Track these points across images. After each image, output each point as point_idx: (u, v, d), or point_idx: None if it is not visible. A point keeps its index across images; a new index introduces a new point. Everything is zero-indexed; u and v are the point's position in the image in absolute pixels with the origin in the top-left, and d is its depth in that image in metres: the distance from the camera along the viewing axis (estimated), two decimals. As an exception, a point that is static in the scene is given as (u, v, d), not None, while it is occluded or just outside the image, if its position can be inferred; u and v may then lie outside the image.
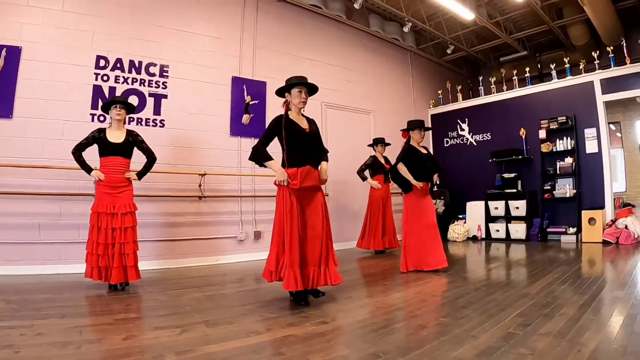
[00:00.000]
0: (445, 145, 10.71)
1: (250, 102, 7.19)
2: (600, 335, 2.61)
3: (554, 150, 8.64)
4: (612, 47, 8.24)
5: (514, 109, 9.46)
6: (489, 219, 9.19)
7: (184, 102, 6.54)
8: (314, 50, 8.37)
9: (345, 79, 8.88)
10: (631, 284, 4.15)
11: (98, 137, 4.45)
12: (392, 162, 7.11)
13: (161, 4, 6.50)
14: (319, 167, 3.97)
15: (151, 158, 4.80)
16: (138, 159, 4.76)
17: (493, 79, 10.19)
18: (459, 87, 10.72)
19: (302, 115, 4.00)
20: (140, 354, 2.53)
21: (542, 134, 8.76)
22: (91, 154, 4.50)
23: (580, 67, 8.60)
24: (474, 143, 10.18)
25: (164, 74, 6.41)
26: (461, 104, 10.56)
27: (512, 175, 9.07)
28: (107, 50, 5.95)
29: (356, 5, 8.15)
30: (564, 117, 8.45)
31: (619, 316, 3.05)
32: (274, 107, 7.11)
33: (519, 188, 8.99)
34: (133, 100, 5.92)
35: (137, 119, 6.09)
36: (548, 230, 8.50)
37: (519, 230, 8.65)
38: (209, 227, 6.57)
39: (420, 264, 5.35)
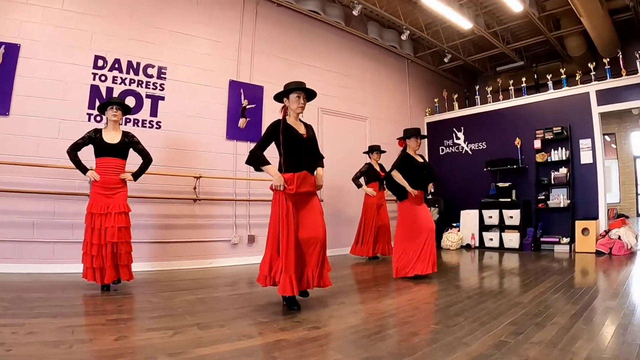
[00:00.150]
0: (441, 153, 10.75)
1: (247, 106, 7.20)
2: (591, 345, 2.62)
3: (549, 160, 8.68)
4: (608, 59, 8.32)
5: (510, 118, 9.51)
6: (483, 227, 9.21)
7: (181, 105, 6.54)
8: (311, 56, 8.40)
9: (342, 85, 8.91)
10: (623, 294, 4.17)
11: (94, 138, 4.44)
12: (387, 169, 7.16)
13: (161, 5, 6.51)
14: (315, 173, 3.97)
15: (147, 159, 4.80)
16: (133, 160, 4.75)
17: (489, 89, 10.24)
18: (456, 96, 10.77)
19: (300, 120, 4.01)
20: (132, 355, 2.52)
21: (537, 144, 8.80)
22: (87, 154, 4.49)
23: (577, 78, 8.66)
24: (469, 152, 10.22)
25: (162, 75, 6.41)
26: (457, 112, 10.61)
27: (507, 184, 9.10)
28: (105, 51, 5.95)
29: (355, 12, 8.19)
30: (559, 128, 8.50)
31: (610, 326, 3.06)
32: (270, 112, 7.13)
33: (514, 197, 9.02)
34: (130, 101, 5.91)
35: (134, 120, 6.08)
36: (541, 239, 8.52)
37: (512, 239, 8.66)
38: (203, 230, 6.56)
39: (411, 270, 5.34)
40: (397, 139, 5.82)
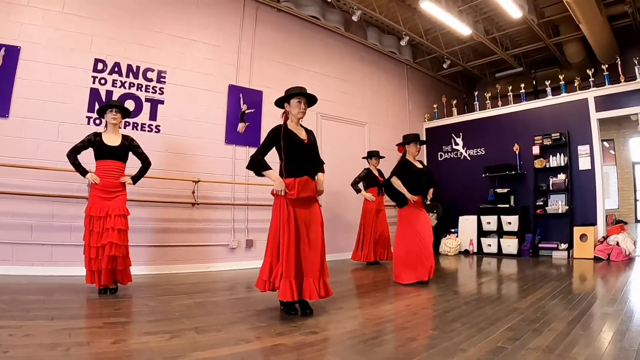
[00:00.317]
0: (440, 159, 10.77)
1: (247, 111, 7.21)
2: (589, 351, 2.62)
3: (547, 166, 8.69)
4: (607, 65, 8.35)
5: (509, 124, 9.53)
6: (481, 233, 9.21)
7: (180, 109, 6.55)
8: (311, 61, 8.42)
9: (341, 90, 8.93)
10: (621, 300, 4.17)
11: (94, 141, 4.45)
12: (386, 175, 7.16)
13: (161, 9, 6.53)
14: (316, 178, 3.98)
15: (146, 163, 4.81)
16: (131, 164, 4.76)
17: (488, 95, 10.26)
18: (454, 102, 10.78)
19: (301, 125, 4.02)
20: (129, 358, 2.51)
21: (536, 150, 8.82)
22: (87, 157, 4.50)
23: (575, 85, 8.68)
24: (468, 158, 10.23)
25: (161, 79, 6.42)
26: (456, 118, 10.63)
27: (505, 190, 9.11)
28: (105, 54, 5.96)
29: (354, 18, 8.21)
30: (558, 134, 8.52)
31: (608, 332, 3.06)
32: (270, 117, 7.16)
33: (512, 203, 9.03)
34: (129, 104, 5.91)
35: (133, 123, 6.09)
36: (540, 245, 8.52)
37: (510, 245, 8.67)
38: (201, 234, 6.55)
39: (411, 276, 5.34)
40: (397, 145, 5.82)
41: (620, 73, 7.98)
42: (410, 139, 5.59)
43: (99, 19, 5.95)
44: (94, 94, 5.83)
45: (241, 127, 7.14)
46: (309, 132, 4.04)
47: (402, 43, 9.46)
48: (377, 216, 7.32)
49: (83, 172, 4.42)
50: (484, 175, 9.51)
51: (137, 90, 6.19)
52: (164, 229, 6.20)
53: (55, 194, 5.36)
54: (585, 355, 2.53)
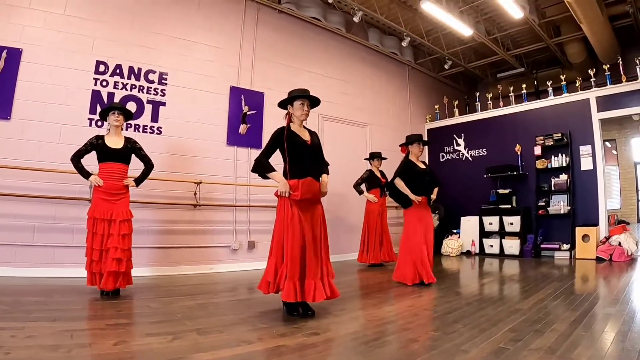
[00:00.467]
0: (441, 160, 10.76)
1: (248, 112, 7.22)
2: (591, 351, 2.61)
3: (549, 166, 8.68)
4: (608, 65, 8.35)
5: (510, 125, 9.52)
6: (483, 234, 9.20)
7: (181, 110, 6.56)
8: (312, 63, 8.42)
9: (342, 91, 8.93)
10: (623, 300, 4.16)
11: (96, 144, 4.47)
12: (388, 176, 7.16)
13: (162, 11, 6.55)
14: (320, 180, 3.98)
15: (149, 165, 4.82)
16: (134, 166, 4.77)
17: (490, 95, 10.25)
18: (456, 103, 10.78)
19: (304, 127, 4.03)
20: (131, 359, 2.52)
21: (538, 150, 8.81)
22: (90, 159, 4.51)
23: (577, 85, 8.68)
24: (470, 158, 10.23)
25: (163, 81, 6.43)
26: (458, 119, 10.63)
27: (507, 191, 9.10)
28: (107, 56, 5.98)
29: (355, 19, 8.22)
30: (560, 134, 8.50)
31: (610, 333, 3.05)
32: (271, 118, 7.16)
33: (514, 204, 9.01)
34: (131, 106, 5.91)
35: (135, 125, 6.10)
36: (542, 246, 8.51)
37: (512, 246, 8.65)
38: (203, 236, 6.56)
39: (415, 277, 5.33)
40: (400, 145, 5.82)
41: (622, 73, 7.98)
42: (413, 139, 5.59)
43: (101, 21, 5.96)
44: (96, 96, 5.84)
45: (243, 128, 7.15)
46: (313, 134, 4.04)
47: (404, 44, 9.47)
48: (380, 217, 7.31)
49: (86, 175, 4.44)
50: (485, 175, 9.50)
51: (138, 92, 6.21)
52: (166, 230, 6.21)
53: (57, 195, 5.37)
54: (587, 356, 2.52)
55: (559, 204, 8.41)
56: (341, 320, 3.62)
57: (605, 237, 7.75)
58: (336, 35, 8.90)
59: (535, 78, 11.08)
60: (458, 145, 10.48)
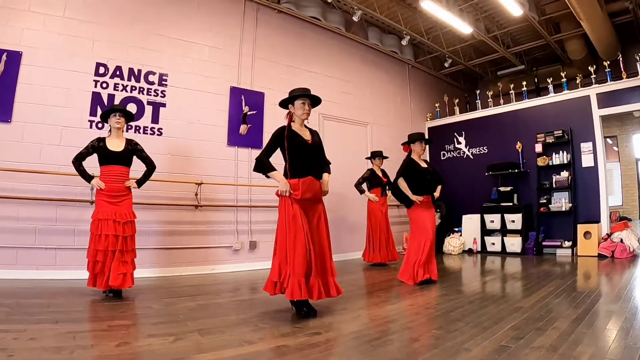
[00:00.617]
0: (442, 158, 10.75)
1: (248, 113, 7.22)
2: (592, 349, 2.61)
3: (550, 164, 8.67)
4: (608, 62, 8.33)
5: (511, 122, 9.51)
6: (485, 232, 9.20)
7: (182, 111, 6.56)
8: (312, 62, 8.42)
9: (343, 91, 8.93)
10: (625, 297, 4.16)
11: (98, 147, 4.47)
12: (390, 175, 7.16)
13: (161, 13, 6.55)
14: (321, 179, 3.98)
15: (151, 166, 4.83)
16: (135, 167, 4.77)
17: (490, 93, 10.24)
18: (456, 101, 10.76)
19: (305, 126, 4.03)
20: (133, 361, 2.53)
21: (539, 147, 8.80)
22: (91, 162, 4.53)
23: (577, 82, 8.67)
24: (471, 156, 10.22)
25: (163, 82, 6.43)
26: (458, 117, 10.61)
27: (508, 188, 9.09)
28: (106, 58, 5.98)
29: (355, 18, 8.21)
30: (560, 131, 8.50)
31: (612, 330, 3.05)
32: (271, 118, 7.17)
33: (515, 201, 9.01)
34: (131, 108, 5.92)
35: (135, 127, 6.10)
36: (543, 243, 8.51)
37: (514, 243, 8.65)
38: (204, 236, 6.56)
39: (424, 274, 5.32)
40: (402, 144, 5.81)
41: (622, 69, 7.98)
42: (415, 138, 5.59)
43: (100, 23, 5.96)
44: (96, 97, 5.85)
45: (243, 128, 7.15)
46: (314, 133, 4.05)
47: (404, 43, 9.47)
48: (383, 216, 7.30)
49: (88, 178, 4.45)
50: (486, 173, 9.49)
51: (138, 93, 6.21)
52: (168, 231, 6.21)
53: (58, 197, 5.38)
54: (589, 354, 2.52)
55: (561, 201, 8.41)
56: (343, 320, 3.63)
57: (607, 234, 7.74)
58: (336, 35, 8.90)
59: (535, 75, 11.06)
60: (459, 143, 10.47)
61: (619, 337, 2.85)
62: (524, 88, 9.59)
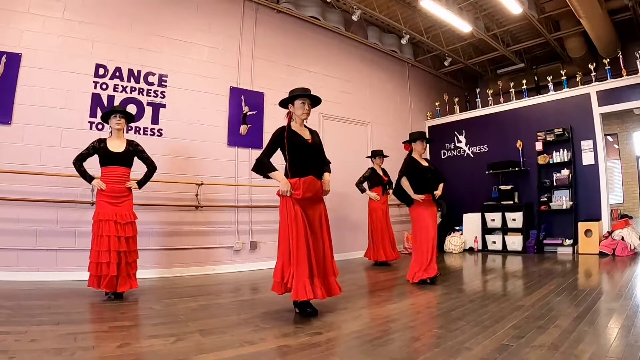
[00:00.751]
0: (443, 157, 10.74)
1: (248, 113, 7.21)
2: (594, 347, 2.61)
3: (551, 162, 8.66)
4: (608, 60, 8.32)
5: (511, 121, 9.50)
6: (486, 230, 9.20)
7: (182, 112, 6.56)
8: (312, 62, 8.42)
9: (343, 90, 8.92)
10: (627, 295, 4.16)
11: (98, 147, 4.48)
12: (390, 174, 7.16)
13: (160, 13, 6.55)
14: (322, 178, 3.98)
15: (151, 167, 4.84)
16: (136, 168, 4.78)
17: (490, 91, 10.23)
18: (456, 99, 10.75)
19: (305, 126, 4.03)
20: (134, 362, 2.53)
21: (539, 146, 8.79)
22: (92, 163, 4.53)
23: (577, 79, 8.65)
24: (471, 155, 10.21)
25: (163, 83, 6.43)
26: (458, 115, 10.60)
27: (509, 187, 9.09)
28: (106, 59, 5.98)
29: (354, 18, 8.21)
30: (561, 129, 8.49)
31: (613, 328, 3.05)
32: (271, 118, 7.17)
33: (516, 200, 9.01)
34: (131, 109, 5.92)
35: (135, 127, 6.10)
36: (544, 242, 8.50)
37: (515, 242, 8.65)
38: (205, 237, 6.56)
39: (425, 273, 5.32)
40: (403, 142, 5.82)
41: (622, 67, 7.97)
42: (416, 136, 5.59)
43: (99, 24, 5.96)
44: (96, 99, 5.85)
45: (243, 129, 7.15)
46: (314, 133, 4.06)
47: (403, 42, 9.46)
48: (384, 215, 7.30)
49: (89, 179, 4.46)
50: (487, 172, 9.49)
51: (138, 94, 6.21)
52: (168, 232, 6.21)
53: (59, 199, 5.38)
54: (591, 352, 2.52)
55: (561, 199, 8.40)
56: (344, 319, 3.62)
57: (608, 232, 7.73)
58: (335, 34, 8.89)
59: (535, 73, 11.05)
60: (459, 142, 10.46)
61: (620, 335, 2.85)
62: (524, 86, 9.58)
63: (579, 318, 3.33)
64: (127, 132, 5.71)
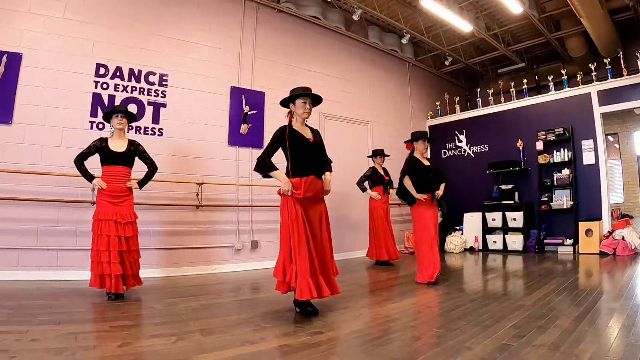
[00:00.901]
0: (443, 156, 10.74)
1: (249, 112, 7.21)
2: (594, 347, 2.61)
3: (551, 161, 8.66)
4: (609, 59, 8.30)
5: (512, 120, 9.49)
6: (486, 230, 9.20)
7: (182, 111, 6.56)
8: (313, 61, 8.41)
9: (343, 89, 8.92)
10: (627, 295, 4.16)
11: (100, 147, 4.49)
12: (391, 173, 7.16)
13: (161, 13, 6.55)
14: (323, 178, 3.99)
15: (152, 167, 4.85)
16: (137, 168, 4.78)
17: (491, 91, 10.23)
18: (457, 99, 10.75)
19: (306, 125, 4.04)
20: (135, 362, 2.53)
21: (540, 145, 8.78)
22: (93, 162, 4.53)
23: (578, 79, 8.65)
24: (472, 154, 10.21)
25: (163, 82, 6.43)
26: (459, 115, 10.60)
27: (510, 186, 9.09)
28: (107, 59, 5.98)
29: (355, 17, 8.21)
30: (561, 129, 8.48)
31: (614, 327, 3.05)
32: (272, 118, 7.17)
33: (516, 199, 9.00)
34: (132, 108, 5.92)
35: (136, 127, 6.10)
36: (545, 241, 8.50)
37: (516, 241, 8.64)
38: (206, 236, 6.56)
39: (431, 275, 5.31)
40: (405, 142, 5.82)
41: (623, 66, 7.96)
42: (418, 136, 5.60)
43: (100, 24, 5.96)
44: (97, 98, 5.85)
45: (244, 128, 7.15)
46: (315, 132, 4.06)
47: (404, 41, 9.46)
48: (385, 214, 7.30)
49: (90, 177, 4.47)
50: (488, 172, 9.49)
51: (139, 94, 6.21)
52: (169, 231, 6.21)
53: (59, 199, 5.38)
54: (591, 352, 2.52)
55: (562, 199, 8.39)
56: (345, 319, 3.63)
57: (609, 232, 7.73)
58: (336, 34, 8.89)
59: (536, 73, 11.04)
60: (460, 141, 10.46)
61: (620, 335, 2.85)
62: (525, 86, 9.59)
63: (579, 318, 3.33)
64: (127, 132, 5.73)
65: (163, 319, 3.63)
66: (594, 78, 8.33)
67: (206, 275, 6.18)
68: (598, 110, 8.15)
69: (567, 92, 8.67)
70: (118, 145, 4.57)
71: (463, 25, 8.39)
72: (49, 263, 5.30)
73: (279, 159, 3.85)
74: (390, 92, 10.17)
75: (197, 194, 6.44)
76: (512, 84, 9.81)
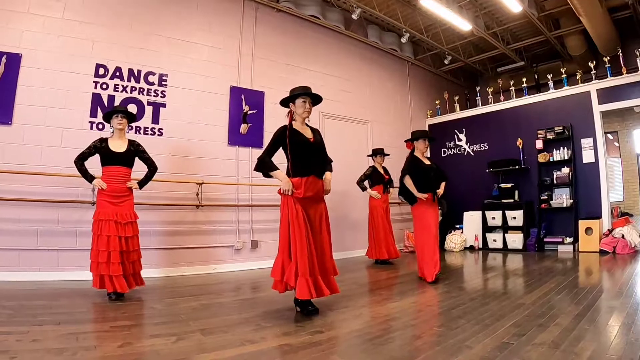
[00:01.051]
0: (443, 155, 10.74)
1: (249, 112, 7.21)
2: (594, 345, 2.61)
3: (551, 160, 8.66)
4: (608, 57, 8.31)
5: (511, 119, 9.49)
6: (486, 229, 9.20)
7: (182, 111, 6.56)
8: (312, 61, 8.41)
9: (343, 89, 8.92)
10: (627, 293, 4.16)
11: (100, 147, 4.49)
12: (391, 172, 7.17)
13: (160, 13, 6.55)
14: (323, 177, 3.99)
15: (152, 168, 4.85)
16: (137, 168, 4.78)
17: (490, 90, 10.24)
18: (457, 98, 10.75)
19: (306, 125, 4.04)
20: (135, 362, 2.53)
21: (539, 144, 8.78)
22: (93, 162, 4.53)
23: (577, 77, 8.65)
24: (471, 153, 10.21)
25: (163, 82, 6.43)
26: (458, 114, 10.60)
27: (509, 185, 9.09)
28: (106, 59, 5.98)
29: (354, 16, 8.21)
30: (561, 127, 8.48)
31: (614, 326, 3.05)
32: (272, 117, 7.17)
33: (516, 198, 9.00)
34: (132, 108, 5.92)
35: (136, 127, 6.10)
36: (545, 240, 8.50)
37: (516, 240, 8.65)
38: (206, 236, 6.56)
39: (431, 274, 5.32)
40: (405, 141, 5.82)
41: (622, 65, 7.97)
42: (418, 135, 5.61)
43: (99, 24, 5.96)
44: (96, 99, 5.85)
45: (243, 128, 7.15)
46: (315, 131, 4.06)
47: (403, 40, 9.45)
48: (385, 213, 7.30)
49: (90, 178, 4.46)
50: (487, 170, 9.49)
51: (138, 94, 6.21)
52: (169, 231, 6.22)
53: (59, 199, 5.38)
54: (591, 350, 2.52)
55: (562, 198, 8.40)
56: (345, 318, 3.63)
57: (609, 230, 7.73)
58: (335, 33, 8.89)
59: (535, 71, 11.04)
60: (459, 140, 10.46)
61: (620, 333, 2.85)
62: (524, 84, 9.56)
63: (579, 316, 3.34)
64: (127, 132, 5.73)
65: (163, 318, 3.63)
66: (593, 76, 8.34)
67: (206, 275, 6.18)
68: (597, 108, 8.16)
69: (567, 91, 8.67)
70: (118, 145, 4.57)
71: (462, 24, 8.40)
72: (49, 263, 5.30)
73: (280, 158, 3.85)
74: (390, 91, 10.17)
75: (197, 194, 6.44)
76: (512, 82, 9.81)
